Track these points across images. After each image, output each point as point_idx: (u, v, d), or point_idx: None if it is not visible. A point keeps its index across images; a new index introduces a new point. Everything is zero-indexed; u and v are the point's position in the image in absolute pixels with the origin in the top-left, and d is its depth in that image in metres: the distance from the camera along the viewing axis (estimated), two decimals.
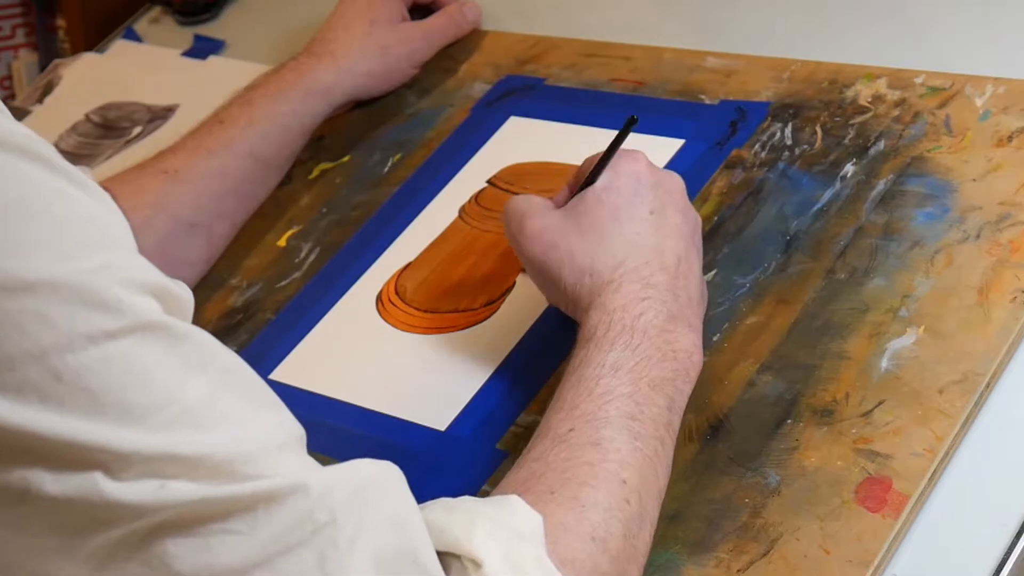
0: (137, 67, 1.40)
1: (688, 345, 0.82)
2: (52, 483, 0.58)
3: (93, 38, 1.51)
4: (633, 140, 1.02)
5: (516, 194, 1.02)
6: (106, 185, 1.07)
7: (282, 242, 1.10)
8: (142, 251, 1.07)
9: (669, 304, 0.82)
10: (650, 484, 0.75)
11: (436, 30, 1.20)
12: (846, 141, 0.94)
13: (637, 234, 0.84)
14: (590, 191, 0.86)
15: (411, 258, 1.02)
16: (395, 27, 1.18)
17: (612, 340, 0.81)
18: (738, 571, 0.74)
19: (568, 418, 0.78)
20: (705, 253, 0.91)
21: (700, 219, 0.88)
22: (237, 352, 1.00)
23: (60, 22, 1.74)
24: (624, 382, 0.79)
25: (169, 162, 1.10)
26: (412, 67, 1.19)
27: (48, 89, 1.41)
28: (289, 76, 1.14)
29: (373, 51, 1.16)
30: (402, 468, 0.86)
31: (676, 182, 0.87)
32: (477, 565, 0.66)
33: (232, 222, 1.12)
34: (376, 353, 0.96)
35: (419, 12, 1.22)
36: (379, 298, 1.00)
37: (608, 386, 0.78)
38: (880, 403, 0.79)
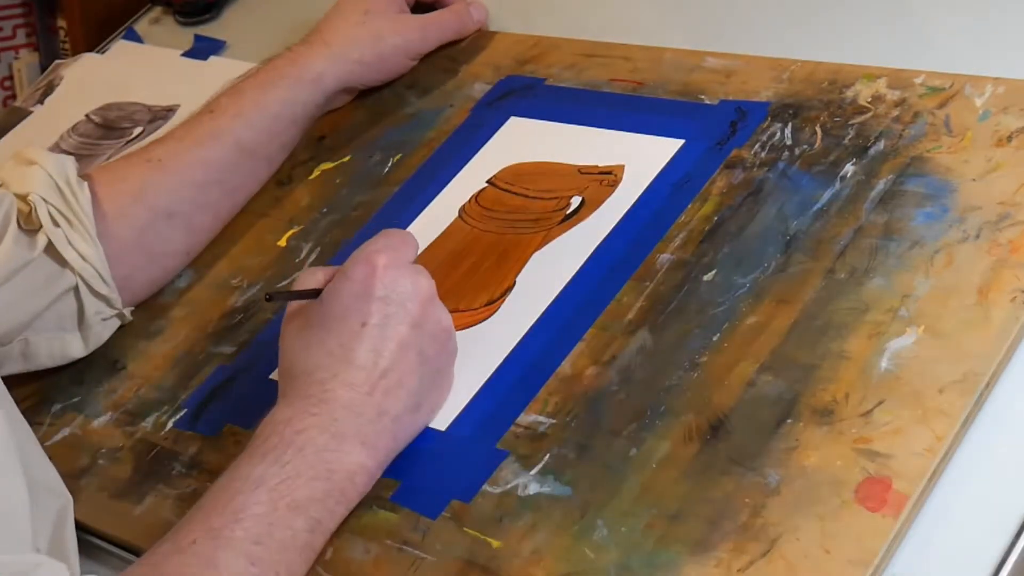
0: (138, 67, 1.40)
1: (350, 465, 0.82)
2: None
3: (94, 38, 1.51)
4: (633, 140, 1.03)
5: (516, 194, 1.03)
6: (89, 174, 1.08)
7: (282, 242, 1.10)
8: (120, 239, 1.09)
9: (342, 422, 0.83)
10: None
11: (435, 24, 1.19)
12: (846, 141, 0.95)
13: (340, 346, 0.85)
14: (326, 291, 0.87)
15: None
16: (391, 17, 1.18)
17: (265, 453, 0.81)
18: (738, 571, 0.74)
19: (196, 528, 0.79)
20: (705, 253, 0.91)
21: (448, 328, 0.88)
22: (237, 352, 1.01)
23: (61, 22, 1.74)
24: (261, 501, 0.79)
25: (155, 151, 1.10)
26: (408, 58, 1.18)
27: (49, 89, 1.41)
28: (281, 64, 1.14)
29: (365, 38, 1.16)
30: (402, 468, 0.87)
31: (418, 292, 0.86)
32: None
33: (215, 213, 1.12)
34: None
35: (426, 10, 1.22)
36: None
37: (243, 503, 0.79)
38: (880, 403, 0.79)
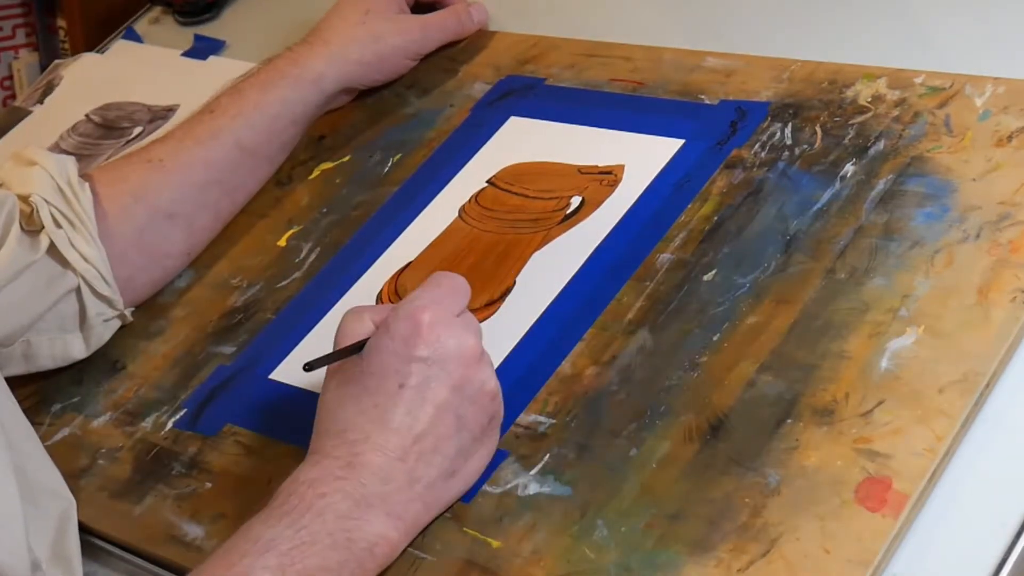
0: (137, 67, 1.40)
1: (371, 535, 0.78)
2: None
3: (93, 38, 1.51)
4: (633, 140, 1.03)
5: (516, 194, 1.03)
6: (90, 174, 1.08)
7: (282, 242, 1.10)
8: (121, 240, 1.08)
9: (370, 487, 0.79)
10: None
11: (435, 24, 1.19)
12: (846, 141, 0.94)
13: (375, 407, 0.80)
14: (368, 346, 0.82)
15: (411, 258, 1.02)
16: (391, 18, 1.18)
17: (281, 515, 0.77)
18: (738, 571, 0.74)
19: None
20: (705, 253, 0.91)
21: (493, 391, 0.82)
22: (237, 352, 1.01)
23: (60, 22, 1.74)
24: (269, 565, 0.75)
25: (155, 151, 1.10)
26: (408, 59, 1.18)
27: (48, 89, 1.41)
28: (281, 65, 1.14)
29: (365, 39, 1.16)
30: None
31: (462, 352, 0.81)
32: None
33: (215, 214, 1.12)
34: None
35: (426, 10, 1.22)
36: (379, 298, 1.00)
37: (248, 567, 0.75)
38: (880, 403, 0.79)
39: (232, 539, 0.78)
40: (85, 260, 1.03)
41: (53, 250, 1.02)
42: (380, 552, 0.79)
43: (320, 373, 0.95)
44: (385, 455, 0.80)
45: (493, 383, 0.83)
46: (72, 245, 1.02)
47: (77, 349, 1.05)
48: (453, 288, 0.84)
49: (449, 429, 0.81)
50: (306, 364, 0.82)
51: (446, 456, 0.81)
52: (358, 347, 0.83)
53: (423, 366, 0.81)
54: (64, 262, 1.02)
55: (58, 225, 1.02)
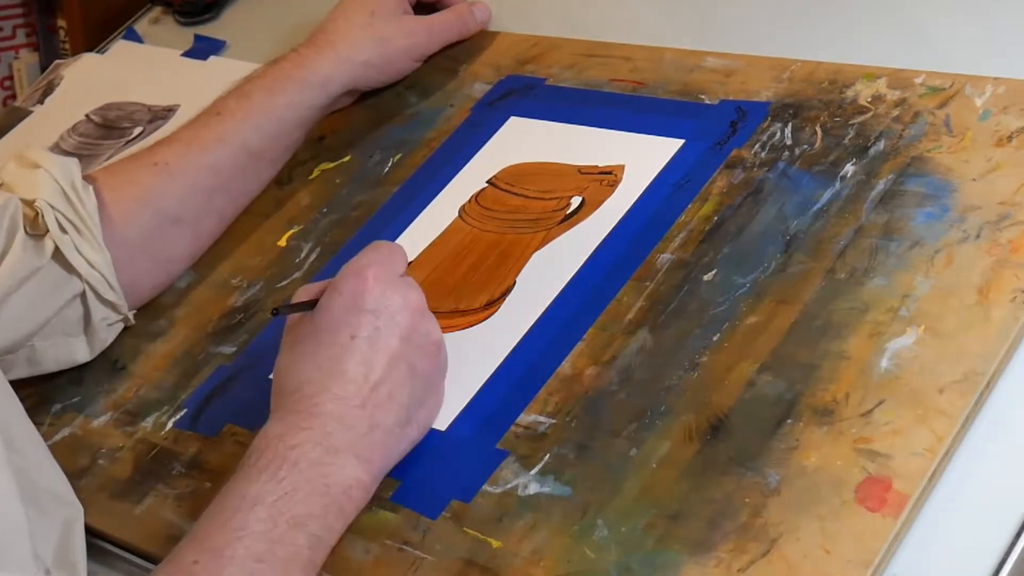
0: (138, 67, 1.40)
1: (346, 479, 0.81)
2: None
3: (94, 38, 1.51)
4: (633, 140, 1.03)
5: (516, 194, 1.03)
6: (94, 176, 1.07)
7: (282, 242, 1.10)
8: (126, 245, 1.08)
9: (336, 435, 0.82)
10: None
11: (440, 25, 1.19)
12: (846, 141, 0.94)
13: (330, 359, 0.84)
14: (318, 305, 0.86)
15: (411, 258, 1.02)
16: (396, 19, 1.18)
17: (260, 470, 0.81)
18: (738, 571, 0.74)
19: (197, 549, 0.78)
20: (705, 253, 0.91)
21: (438, 341, 0.87)
22: (237, 352, 1.01)
23: (61, 22, 1.75)
24: (261, 518, 0.78)
25: (161, 154, 1.10)
26: (413, 60, 1.18)
27: (49, 89, 1.41)
28: (288, 67, 1.14)
29: (372, 41, 1.16)
30: (402, 468, 0.87)
31: (407, 304, 0.86)
32: None
33: (220, 217, 1.12)
34: None
35: (426, 10, 1.22)
36: None
37: (242, 521, 0.78)
38: (880, 403, 0.79)
39: (216, 501, 0.81)
40: (91, 266, 1.02)
41: (58, 255, 1.01)
42: (355, 495, 0.82)
43: None
44: (344, 403, 0.83)
45: (438, 334, 0.88)
46: (78, 251, 1.02)
47: (81, 353, 1.05)
48: (392, 251, 0.89)
49: (402, 377, 0.85)
50: (273, 309, 0.88)
51: (401, 404, 0.85)
52: (313, 303, 0.87)
53: (372, 317, 0.85)
54: (69, 267, 1.02)
55: (63, 230, 1.01)
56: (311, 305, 0.87)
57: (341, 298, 0.85)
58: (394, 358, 0.85)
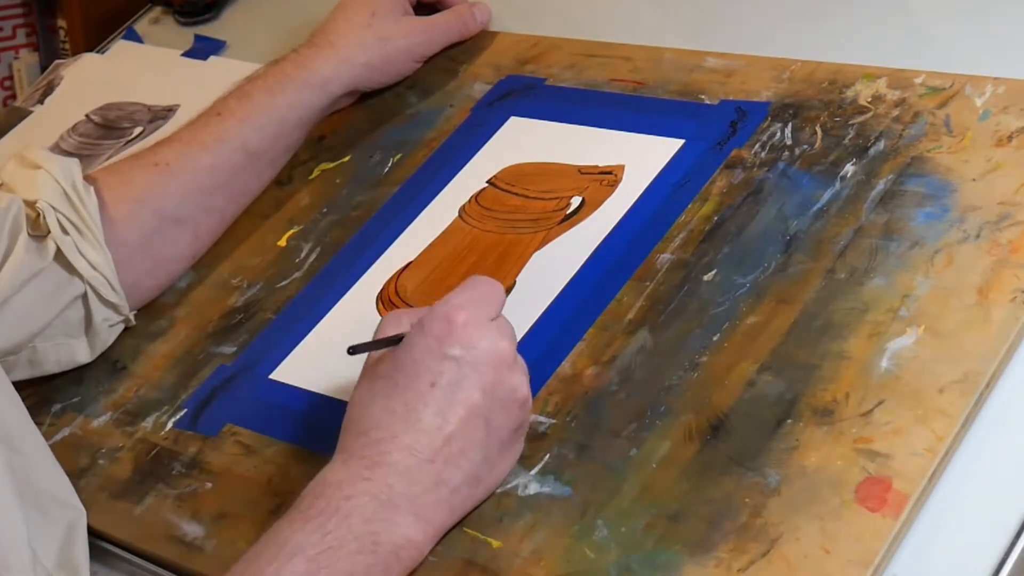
0: (138, 67, 1.40)
1: (398, 538, 0.77)
2: None
3: (94, 38, 1.51)
4: (633, 140, 1.03)
5: (516, 194, 1.03)
6: (95, 176, 1.07)
7: (282, 242, 1.10)
8: (126, 245, 1.08)
9: (397, 488, 0.77)
10: None
11: (440, 26, 1.19)
12: (846, 141, 0.94)
13: (404, 405, 0.79)
14: (402, 343, 0.81)
15: (411, 258, 1.02)
16: (397, 20, 1.18)
17: (308, 519, 0.76)
18: (738, 571, 0.74)
19: None
20: (705, 253, 0.91)
21: (524, 398, 0.81)
22: (237, 352, 1.01)
23: (61, 22, 1.75)
24: (298, 571, 0.74)
25: (162, 154, 1.10)
26: (413, 61, 1.18)
27: (49, 89, 1.41)
28: (288, 68, 1.14)
29: (372, 42, 1.16)
30: None
31: (495, 354, 0.80)
32: None
33: (221, 217, 1.12)
34: None
35: (426, 11, 1.22)
36: (380, 298, 1.00)
37: (277, 572, 0.75)
38: (880, 403, 0.79)
39: (259, 544, 0.78)
40: (92, 267, 1.02)
41: (60, 256, 1.01)
42: (406, 555, 0.78)
43: (317, 374, 0.96)
44: (413, 455, 0.79)
45: (525, 390, 0.82)
46: (79, 252, 1.02)
47: (82, 354, 1.05)
48: (489, 292, 0.83)
49: (478, 433, 0.80)
50: (350, 347, 0.81)
51: (473, 461, 0.80)
52: (397, 339, 0.82)
53: (455, 365, 0.80)
54: (71, 268, 1.02)
55: (65, 231, 1.01)
56: (396, 340, 0.82)
57: (425, 340, 0.80)
58: (472, 412, 0.79)
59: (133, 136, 1.29)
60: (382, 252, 1.04)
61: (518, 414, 0.82)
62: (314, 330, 1.00)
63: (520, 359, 0.82)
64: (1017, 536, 0.72)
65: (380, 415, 0.80)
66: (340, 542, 0.76)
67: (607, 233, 0.96)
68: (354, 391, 0.83)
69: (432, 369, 0.80)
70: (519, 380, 0.82)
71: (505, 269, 0.97)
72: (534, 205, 1.01)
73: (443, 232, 1.03)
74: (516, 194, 1.03)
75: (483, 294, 0.83)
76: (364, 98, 1.20)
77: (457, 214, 1.04)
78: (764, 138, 0.98)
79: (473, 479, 0.80)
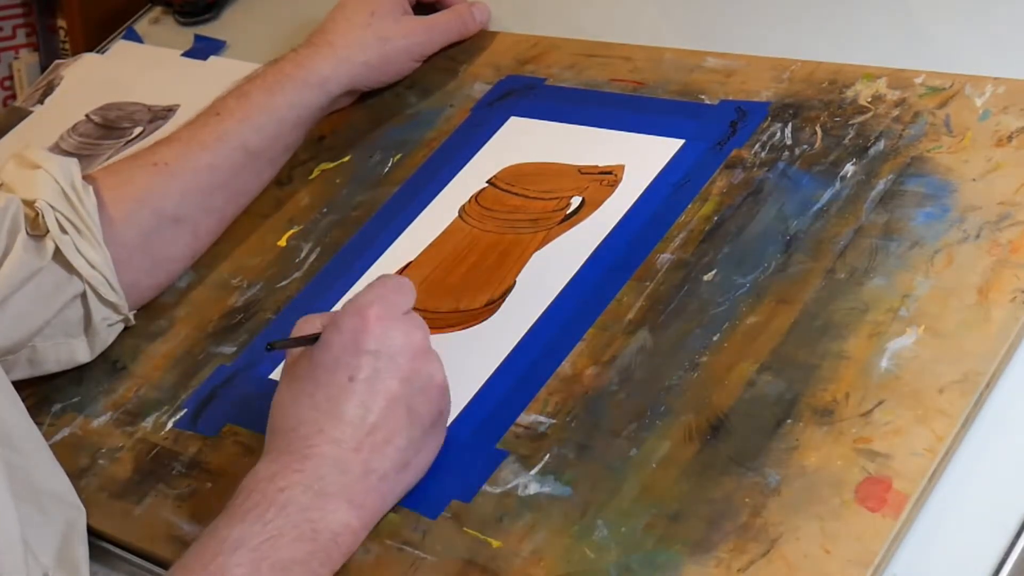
0: (138, 67, 1.40)
1: (335, 524, 0.80)
2: None
3: (94, 38, 1.51)
4: (633, 140, 1.03)
5: (516, 194, 1.03)
6: (94, 176, 1.07)
7: (282, 242, 1.10)
8: (126, 245, 1.08)
9: (329, 479, 0.80)
10: None
11: (439, 25, 1.19)
12: (846, 141, 0.95)
13: (327, 400, 0.82)
14: (318, 343, 0.84)
15: (411, 258, 1.02)
16: (396, 19, 1.18)
17: (246, 512, 0.79)
18: (738, 571, 0.74)
19: None
20: (705, 253, 0.91)
21: (441, 385, 0.85)
22: (237, 352, 1.01)
23: (61, 22, 1.74)
24: (242, 562, 0.77)
25: (161, 154, 1.10)
26: (412, 60, 1.18)
27: (49, 89, 1.41)
28: (287, 67, 1.14)
29: (372, 42, 1.16)
30: None
31: (410, 345, 0.83)
32: None
33: (220, 217, 1.12)
34: None
35: (426, 11, 1.22)
36: None
37: (223, 565, 0.77)
38: (880, 403, 0.79)
39: (199, 541, 0.80)
40: (91, 266, 1.02)
41: (59, 255, 1.01)
42: (343, 541, 0.81)
43: None
44: (340, 447, 0.82)
45: (441, 376, 0.85)
46: (78, 251, 1.02)
47: (82, 353, 1.05)
48: (398, 287, 0.86)
49: (401, 421, 0.83)
50: (268, 344, 0.85)
51: (398, 448, 0.83)
52: (314, 338, 0.85)
53: (372, 359, 0.83)
54: (70, 268, 1.02)
55: (63, 231, 1.01)
56: (312, 339, 0.85)
57: (341, 336, 0.83)
58: (393, 401, 0.83)
59: (133, 136, 1.30)
60: (382, 252, 1.04)
61: (438, 400, 0.85)
62: None
63: (433, 350, 0.86)
64: (1017, 536, 0.72)
65: (305, 412, 0.83)
66: (280, 531, 0.79)
67: (607, 233, 0.96)
68: (276, 393, 0.86)
69: (350, 364, 0.83)
70: (435, 367, 0.85)
71: (505, 269, 0.97)
72: (534, 205, 1.01)
73: (443, 232, 1.03)
74: (516, 194, 1.03)
75: (392, 289, 0.86)
76: (364, 98, 1.20)
77: (457, 214, 1.04)
78: (764, 138, 0.98)
79: (401, 465, 0.83)
